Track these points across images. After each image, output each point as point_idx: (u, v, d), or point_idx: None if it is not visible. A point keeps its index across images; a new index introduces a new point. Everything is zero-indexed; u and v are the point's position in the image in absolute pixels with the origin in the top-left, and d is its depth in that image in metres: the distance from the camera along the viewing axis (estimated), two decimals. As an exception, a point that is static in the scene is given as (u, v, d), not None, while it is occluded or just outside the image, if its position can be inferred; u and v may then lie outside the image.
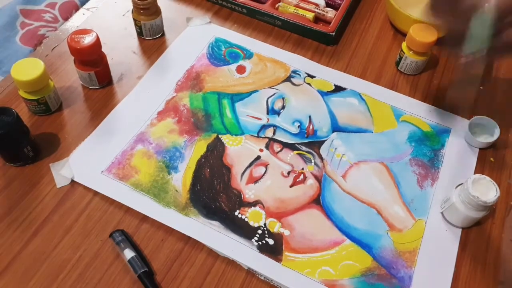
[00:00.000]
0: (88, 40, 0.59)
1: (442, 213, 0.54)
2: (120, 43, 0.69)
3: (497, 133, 0.60)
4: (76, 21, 0.72)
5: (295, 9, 0.72)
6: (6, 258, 0.49)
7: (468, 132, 0.60)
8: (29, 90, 0.57)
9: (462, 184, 0.51)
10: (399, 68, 0.68)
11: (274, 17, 0.71)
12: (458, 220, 0.53)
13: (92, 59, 0.61)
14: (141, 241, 0.51)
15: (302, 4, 0.73)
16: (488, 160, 0.59)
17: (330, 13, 0.72)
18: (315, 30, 0.70)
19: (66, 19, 0.75)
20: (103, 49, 0.62)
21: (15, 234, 0.51)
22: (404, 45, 0.66)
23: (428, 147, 0.60)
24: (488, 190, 0.50)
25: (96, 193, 0.54)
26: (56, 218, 0.52)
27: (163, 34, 0.71)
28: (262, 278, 0.49)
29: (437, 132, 0.61)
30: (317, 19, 0.73)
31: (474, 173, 0.52)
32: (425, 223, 0.54)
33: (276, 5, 0.73)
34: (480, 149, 0.60)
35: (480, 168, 0.58)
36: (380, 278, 0.50)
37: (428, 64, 0.68)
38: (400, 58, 0.67)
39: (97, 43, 0.59)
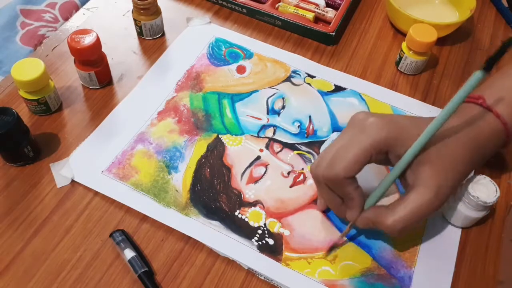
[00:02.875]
0: (88, 40, 0.59)
1: (442, 213, 0.54)
2: (120, 43, 0.69)
3: None
4: (76, 21, 0.72)
5: (295, 9, 0.72)
6: (6, 258, 0.49)
7: None
8: (29, 90, 0.57)
9: (462, 184, 0.51)
10: (399, 68, 0.68)
11: (274, 17, 0.71)
12: (458, 220, 0.53)
13: (92, 59, 0.61)
14: (141, 241, 0.51)
15: (302, 4, 0.73)
16: (488, 160, 0.59)
17: (330, 13, 0.72)
18: (315, 30, 0.70)
19: (66, 19, 0.75)
20: (103, 49, 0.62)
21: (15, 234, 0.51)
22: (404, 45, 0.66)
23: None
24: (488, 190, 0.50)
25: (96, 193, 0.54)
26: (56, 218, 0.52)
27: (163, 34, 0.71)
28: (262, 278, 0.49)
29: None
30: (317, 19, 0.73)
31: (474, 174, 0.52)
32: (425, 223, 0.54)
33: (276, 5, 0.73)
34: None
35: (480, 168, 0.58)
36: (380, 278, 0.50)
37: (428, 64, 0.68)
38: (400, 58, 0.67)
39: (97, 43, 0.59)
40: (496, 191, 0.49)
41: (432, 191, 0.43)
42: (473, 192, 0.49)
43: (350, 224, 0.49)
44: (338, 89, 0.65)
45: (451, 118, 0.43)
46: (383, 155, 0.44)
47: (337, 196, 0.47)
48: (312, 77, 0.66)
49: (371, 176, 0.57)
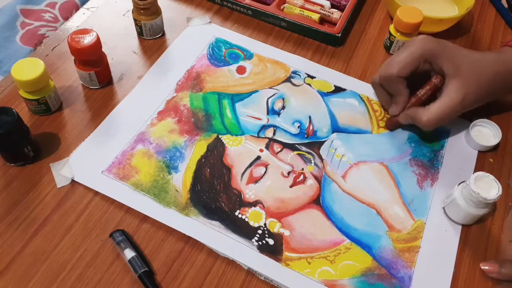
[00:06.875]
0: (88, 40, 0.59)
1: (444, 208, 0.54)
2: (120, 43, 0.69)
3: (498, 136, 0.59)
4: (76, 20, 0.72)
5: (300, 11, 0.72)
6: (6, 258, 0.49)
7: (469, 134, 0.60)
8: (29, 90, 0.57)
9: (465, 181, 0.51)
10: (390, 52, 0.69)
11: (280, 18, 0.71)
12: (459, 216, 0.53)
13: (92, 59, 0.61)
14: (141, 241, 0.51)
15: (307, 6, 0.73)
16: (488, 161, 0.60)
17: (336, 14, 0.72)
18: (321, 32, 0.69)
19: (66, 19, 0.75)
20: (103, 49, 0.62)
21: (15, 234, 0.51)
22: (391, 27, 0.68)
23: (427, 148, 0.60)
24: (490, 188, 0.50)
25: (96, 193, 0.54)
26: (56, 218, 0.52)
27: (163, 34, 0.71)
28: (262, 278, 0.49)
29: (437, 133, 0.62)
30: (322, 20, 0.73)
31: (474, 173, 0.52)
32: (425, 223, 0.54)
33: (282, 7, 0.73)
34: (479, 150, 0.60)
35: (479, 169, 0.58)
36: (380, 278, 0.50)
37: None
38: (391, 43, 0.68)
39: (97, 43, 0.59)
40: (498, 189, 0.49)
41: (460, 97, 0.55)
42: (475, 188, 0.49)
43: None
44: (338, 90, 0.65)
45: (489, 52, 0.59)
46: (428, 64, 0.56)
47: (387, 94, 0.60)
48: (312, 77, 0.66)
49: (372, 177, 0.57)
